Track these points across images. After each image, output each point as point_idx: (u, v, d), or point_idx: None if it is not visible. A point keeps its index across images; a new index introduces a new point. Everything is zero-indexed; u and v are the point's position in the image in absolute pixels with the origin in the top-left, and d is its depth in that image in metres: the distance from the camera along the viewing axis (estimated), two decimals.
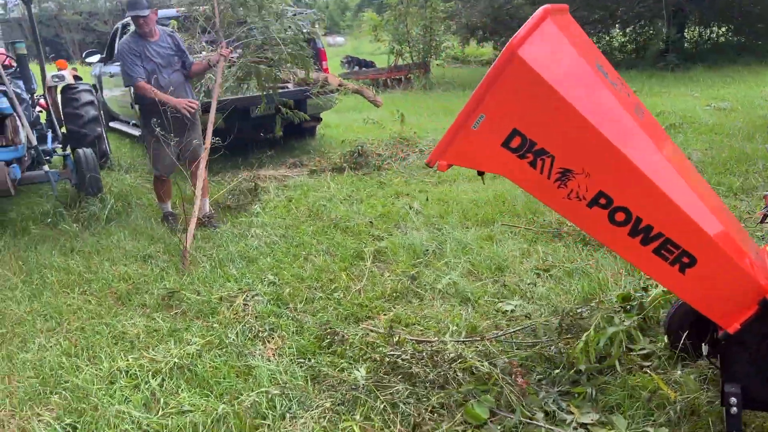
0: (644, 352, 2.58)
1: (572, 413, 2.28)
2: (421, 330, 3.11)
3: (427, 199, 5.22)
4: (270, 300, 3.54)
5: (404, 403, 2.44)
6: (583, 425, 2.22)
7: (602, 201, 1.80)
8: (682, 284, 1.82)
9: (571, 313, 2.53)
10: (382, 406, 2.44)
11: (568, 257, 3.80)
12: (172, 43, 4.72)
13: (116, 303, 3.69)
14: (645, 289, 2.83)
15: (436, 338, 2.88)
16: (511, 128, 1.79)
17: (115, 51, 9.30)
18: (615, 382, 2.43)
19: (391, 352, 2.70)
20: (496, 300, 3.36)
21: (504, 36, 16.47)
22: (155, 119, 4.45)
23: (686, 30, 16.09)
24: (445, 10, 14.78)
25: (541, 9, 1.74)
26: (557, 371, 2.51)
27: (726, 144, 6.26)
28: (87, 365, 2.94)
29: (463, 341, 2.79)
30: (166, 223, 5.08)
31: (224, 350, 3.00)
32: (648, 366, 2.53)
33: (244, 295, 3.54)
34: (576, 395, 2.38)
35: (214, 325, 3.28)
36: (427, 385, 2.54)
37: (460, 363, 2.54)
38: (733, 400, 1.83)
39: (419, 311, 3.33)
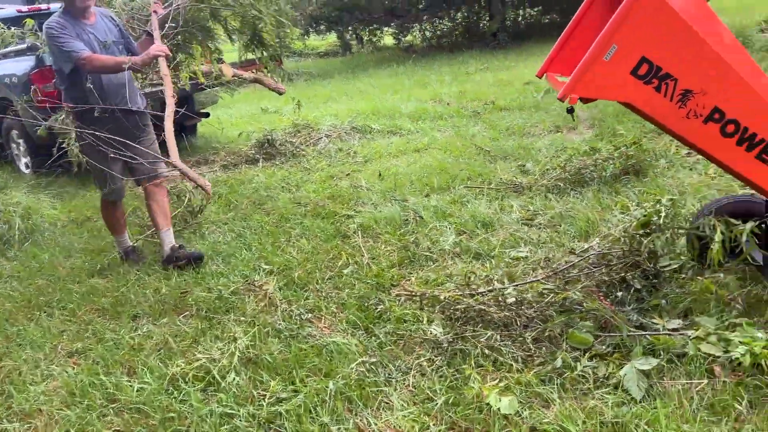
0: (675, 265, 2.91)
1: (658, 323, 2.52)
2: (456, 285, 3.19)
3: (380, 175, 5.25)
4: (284, 286, 3.39)
5: (503, 346, 2.53)
6: (674, 330, 2.47)
7: (716, 116, 2.04)
8: None
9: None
10: (485, 352, 2.50)
11: (545, 206, 4.10)
12: (112, 27, 3.83)
13: (104, 318, 3.29)
14: (656, 214, 3.17)
15: (490, 287, 2.98)
16: (640, 56, 1.96)
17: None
18: (674, 292, 2.73)
19: (471, 304, 2.75)
20: (507, 250, 3.54)
21: (350, 24, 16.76)
22: (92, 125, 3.59)
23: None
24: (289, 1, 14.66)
25: None
26: (621, 293, 2.75)
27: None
28: (128, 381, 2.62)
29: (521, 284, 2.92)
30: (130, 262, 3.99)
31: (279, 336, 2.84)
32: (683, 276, 2.87)
33: (260, 285, 3.35)
34: (649, 309, 2.64)
35: (241, 318, 3.08)
36: (512, 326, 2.64)
37: (548, 299, 2.67)
38: None
39: (441, 271, 3.40)
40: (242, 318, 3.08)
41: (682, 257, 2.92)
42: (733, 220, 2.44)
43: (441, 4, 16.54)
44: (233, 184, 5.65)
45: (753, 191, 3.47)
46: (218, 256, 3.94)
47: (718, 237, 2.36)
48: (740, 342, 2.27)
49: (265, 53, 5.40)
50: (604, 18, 2.38)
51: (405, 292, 3.19)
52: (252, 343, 2.78)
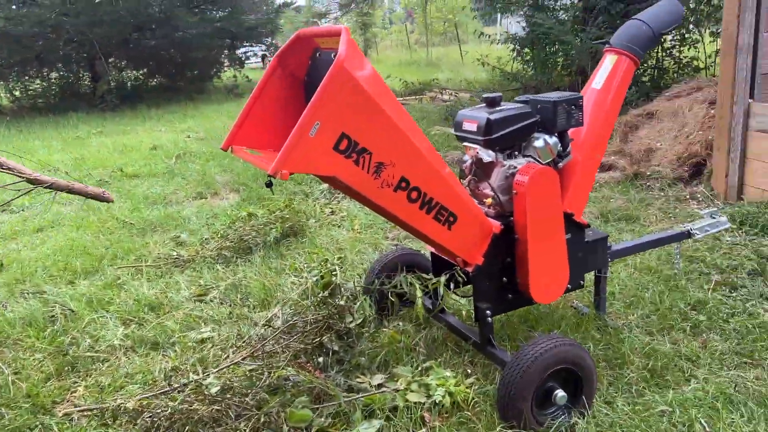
0: (359, 320, 3.09)
1: (363, 382, 2.61)
2: (142, 386, 2.78)
3: (1, 265, 4.24)
4: None
5: None
6: (380, 385, 2.59)
7: (403, 185, 2.23)
8: (449, 237, 2.42)
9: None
10: None
11: (215, 277, 3.91)
12: None
13: None
14: (332, 273, 3.30)
15: (186, 380, 2.66)
16: (340, 132, 2.02)
17: None
18: (368, 347, 2.87)
19: (169, 405, 2.39)
20: (188, 333, 3.24)
21: None
22: None
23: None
24: None
25: (342, 28, 2.03)
26: (321, 358, 2.76)
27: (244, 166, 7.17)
28: None
29: (221, 369, 2.69)
30: None
31: None
32: (367, 330, 3.06)
33: None
34: (352, 369, 2.71)
35: None
36: (224, 420, 2.39)
37: (261, 381, 2.49)
38: (488, 312, 2.56)
39: (116, 373, 2.91)
40: None
41: (362, 312, 3.10)
42: (425, 275, 2.70)
43: (32, 62, 14.76)
44: None
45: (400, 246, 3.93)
46: None
47: (419, 293, 2.58)
48: (437, 384, 2.50)
49: None
50: (284, 93, 2.43)
51: (77, 409, 2.62)
52: None
